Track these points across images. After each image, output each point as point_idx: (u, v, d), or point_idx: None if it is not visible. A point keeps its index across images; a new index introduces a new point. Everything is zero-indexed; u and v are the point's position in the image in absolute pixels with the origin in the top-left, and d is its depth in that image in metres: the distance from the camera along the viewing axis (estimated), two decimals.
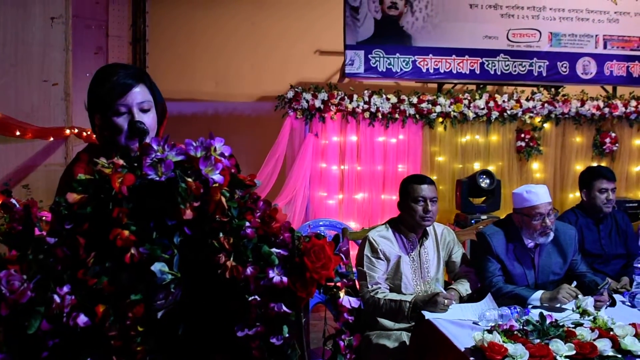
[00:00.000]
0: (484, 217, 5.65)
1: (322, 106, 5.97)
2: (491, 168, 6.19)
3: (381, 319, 3.63)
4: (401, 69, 6.29)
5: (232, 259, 1.34)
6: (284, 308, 1.38)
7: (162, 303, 1.33)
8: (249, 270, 1.35)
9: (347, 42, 6.23)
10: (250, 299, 1.36)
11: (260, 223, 1.39)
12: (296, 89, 5.97)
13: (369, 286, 3.59)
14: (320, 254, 1.39)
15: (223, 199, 1.32)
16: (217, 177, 1.32)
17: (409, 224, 3.72)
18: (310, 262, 1.38)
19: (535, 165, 6.46)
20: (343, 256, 1.48)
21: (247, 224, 1.36)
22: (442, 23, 6.44)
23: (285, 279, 1.38)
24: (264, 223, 1.39)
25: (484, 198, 5.93)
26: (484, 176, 5.75)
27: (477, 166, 6.23)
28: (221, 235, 1.33)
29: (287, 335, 1.40)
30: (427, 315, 3.27)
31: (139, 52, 7.29)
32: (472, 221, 5.53)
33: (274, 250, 1.39)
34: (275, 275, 1.37)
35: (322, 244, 1.41)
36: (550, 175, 6.49)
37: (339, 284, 1.49)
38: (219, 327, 1.42)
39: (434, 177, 6.14)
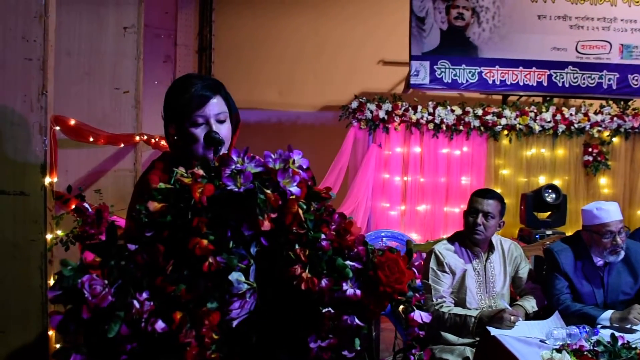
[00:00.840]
0: (548, 232, 5.53)
1: (386, 117, 5.96)
2: (557, 182, 6.07)
3: (445, 333, 3.60)
4: (467, 80, 6.24)
5: (307, 270, 1.35)
6: (357, 321, 1.38)
7: (238, 312, 1.35)
8: (323, 282, 1.36)
9: (412, 52, 6.22)
10: (324, 310, 1.37)
11: (336, 236, 1.40)
12: (360, 99, 5.98)
13: (434, 299, 3.56)
14: (394, 267, 1.39)
15: (300, 211, 1.33)
16: (294, 189, 1.34)
17: (468, 237, 3.69)
18: (384, 276, 1.38)
19: (603, 181, 6.30)
20: (416, 270, 1.48)
21: (323, 236, 1.37)
22: (509, 34, 6.36)
23: (359, 292, 1.38)
24: (339, 236, 1.40)
25: (549, 213, 5.81)
26: (550, 190, 5.64)
27: (542, 180, 6.11)
28: (297, 246, 1.35)
29: (358, 348, 1.40)
30: (493, 331, 3.22)
31: (205, 60, 7.42)
32: (537, 236, 5.42)
33: (348, 263, 1.40)
34: (349, 288, 1.38)
35: (396, 258, 1.41)
36: (619, 191, 6.32)
37: (412, 298, 1.49)
38: (292, 337, 1.43)
39: (498, 190, 6.04)
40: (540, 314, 3.56)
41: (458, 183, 6.06)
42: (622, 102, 6.49)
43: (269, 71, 7.47)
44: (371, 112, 5.92)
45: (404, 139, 6.09)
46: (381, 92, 6.39)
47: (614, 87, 6.48)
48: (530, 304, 3.63)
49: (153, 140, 5.03)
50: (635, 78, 6.53)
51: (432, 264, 3.63)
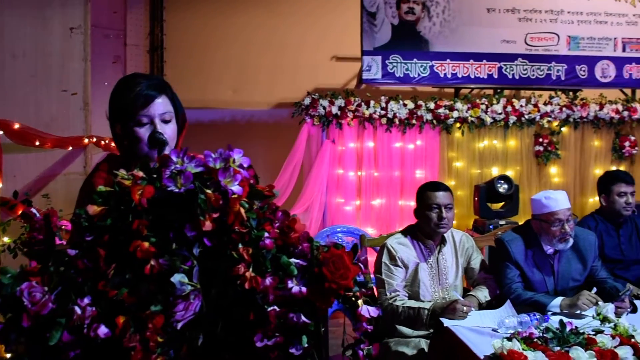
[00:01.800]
0: (502, 222, 5.62)
1: (339, 112, 5.98)
2: (509, 173, 6.16)
3: (400, 326, 3.62)
4: (418, 75, 6.28)
5: (251, 269, 1.34)
6: (303, 318, 1.38)
7: (182, 314, 1.33)
8: (268, 280, 1.35)
9: (364, 47, 6.24)
10: (269, 309, 1.36)
11: (279, 233, 1.39)
12: (313, 96, 5.98)
13: (387, 294, 3.58)
14: (339, 263, 1.39)
15: (242, 210, 1.32)
16: (236, 188, 1.33)
17: (425, 231, 3.71)
18: (329, 272, 1.38)
19: (554, 170, 6.42)
20: (362, 265, 1.48)
21: (266, 234, 1.36)
22: (460, 28, 6.42)
23: (304, 289, 1.38)
24: (282, 233, 1.40)
25: (502, 203, 5.89)
26: (502, 181, 5.72)
27: (495, 171, 6.20)
28: (240, 246, 1.34)
29: (306, 345, 1.40)
30: (446, 322, 3.25)
31: (157, 60, 7.33)
32: (490, 227, 5.50)
33: (292, 260, 1.39)
34: (294, 286, 1.38)
35: (341, 254, 1.41)
36: (569, 179, 6.45)
37: (357, 293, 1.49)
38: (238, 337, 1.42)
39: (451, 183, 6.13)
40: (494, 304, 3.61)
41: (412, 177, 6.11)
42: (570, 93, 6.61)
43: (222, 70, 7.42)
44: (324, 108, 5.93)
45: (357, 134, 6.11)
46: (335, 88, 6.41)
47: (563, 78, 6.60)
48: (483, 294, 3.67)
49: (103, 143, 4.96)
50: (583, 69, 6.66)
51: (385, 258, 3.65)
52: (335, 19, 7.32)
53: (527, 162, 6.36)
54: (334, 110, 5.97)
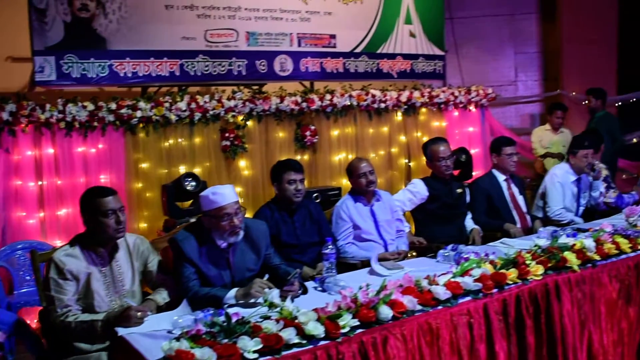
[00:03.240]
0: (193, 219, 5.57)
1: (10, 118, 5.46)
2: (198, 170, 6.16)
3: (77, 342, 3.43)
4: (98, 75, 5.97)
5: None
6: None
7: None
8: None
9: (35, 47, 5.73)
10: None
11: None
12: None
13: (58, 310, 3.38)
14: None
15: None
16: None
17: (99, 239, 3.54)
18: None
19: (243, 163, 6.55)
20: None
21: None
22: (138, 25, 6.22)
23: None
24: None
25: (191, 201, 5.86)
26: (190, 179, 5.67)
27: (183, 169, 6.12)
28: None
29: None
30: (121, 331, 3.14)
31: None
32: None
33: None
34: None
35: None
36: (258, 171, 6.62)
37: None
38: None
39: (139, 185, 5.98)
40: (174, 304, 3.55)
41: (98, 182, 5.78)
42: (256, 87, 6.79)
43: None
44: None
45: (35, 141, 5.64)
46: (9, 92, 5.83)
47: (244, 73, 6.76)
48: (161, 296, 3.62)
49: None
50: (263, 63, 6.89)
51: (53, 273, 3.42)
52: (11, 15, 6.67)
53: (215, 158, 6.39)
54: (5, 116, 5.43)
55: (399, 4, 7.98)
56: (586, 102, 8.76)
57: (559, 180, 5.95)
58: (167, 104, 6.04)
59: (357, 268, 4.51)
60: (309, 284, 3.74)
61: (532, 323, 3.64)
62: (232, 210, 3.57)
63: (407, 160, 7.80)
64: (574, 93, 10.36)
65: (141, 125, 5.99)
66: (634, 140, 9.95)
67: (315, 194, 6.19)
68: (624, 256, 4.19)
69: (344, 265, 4.64)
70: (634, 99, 10.14)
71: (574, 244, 4.03)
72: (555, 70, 10.79)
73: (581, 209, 6.10)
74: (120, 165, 5.91)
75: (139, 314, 3.20)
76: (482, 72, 10.60)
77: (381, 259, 4.42)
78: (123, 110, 5.83)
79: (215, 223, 3.58)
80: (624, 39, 10.45)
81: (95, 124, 5.77)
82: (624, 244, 4.22)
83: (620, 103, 10.31)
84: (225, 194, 3.59)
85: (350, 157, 7.07)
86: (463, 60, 10.37)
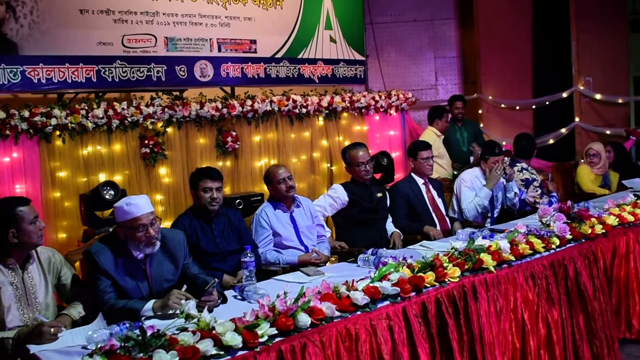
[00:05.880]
0: (112, 229, 5.46)
1: None
2: (118, 178, 6.03)
3: None
4: (9, 81, 5.77)
5: None
6: None
7: None
8: None
9: None
10: None
11: None
12: None
13: None
14: None
15: None
16: None
17: (16, 247, 3.44)
18: None
19: (163, 171, 6.44)
20: None
21: None
22: (51, 30, 6.04)
23: None
24: None
25: (111, 210, 5.72)
26: (108, 187, 5.54)
27: (102, 178, 5.97)
28: None
29: None
30: (33, 349, 3.05)
31: None
32: None
33: None
34: None
35: None
36: (179, 178, 6.51)
37: None
38: None
39: (57, 194, 5.80)
40: (91, 318, 3.48)
41: (12, 192, 5.59)
42: (174, 93, 6.71)
43: None
44: None
45: None
46: None
47: (163, 79, 6.67)
48: (77, 310, 3.55)
49: None
50: (182, 69, 6.82)
51: None
52: None
53: (135, 166, 6.25)
54: None
55: (319, 9, 8.06)
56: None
57: (467, 185, 6.12)
58: (83, 111, 5.87)
59: (279, 274, 4.51)
60: (229, 293, 3.72)
61: (454, 323, 3.73)
62: (147, 220, 3.52)
63: (329, 165, 7.84)
64: (490, 97, 10.67)
65: (57, 133, 5.81)
66: (550, 141, 10.35)
67: (237, 200, 6.16)
68: (537, 256, 4.36)
69: (265, 272, 4.64)
70: (549, 102, 10.51)
71: (490, 246, 4.16)
72: (474, 75, 11.09)
73: (496, 211, 6.28)
74: (35, 174, 5.70)
75: (52, 329, 3.11)
76: (403, 76, 10.83)
77: (302, 262, 4.45)
78: (37, 118, 5.64)
79: (131, 234, 3.53)
80: (538, 44, 10.81)
81: (8, 132, 5.56)
82: (538, 244, 4.38)
83: (535, 106, 10.68)
84: (140, 205, 3.54)
85: (273, 162, 7.08)
86: (384, 64, 10.54)
